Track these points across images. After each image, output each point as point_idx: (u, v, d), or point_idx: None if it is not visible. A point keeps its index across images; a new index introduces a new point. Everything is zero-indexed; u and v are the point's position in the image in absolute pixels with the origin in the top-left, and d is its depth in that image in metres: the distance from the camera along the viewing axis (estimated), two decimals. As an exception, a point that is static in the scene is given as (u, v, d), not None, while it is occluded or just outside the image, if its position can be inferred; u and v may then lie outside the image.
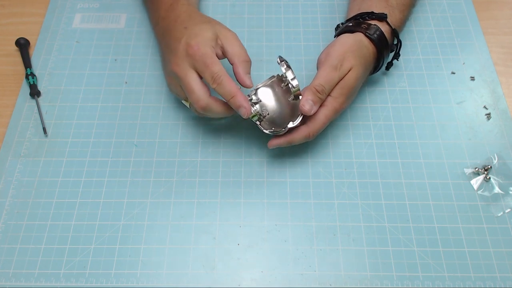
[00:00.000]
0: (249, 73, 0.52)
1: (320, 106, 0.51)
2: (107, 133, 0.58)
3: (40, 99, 0.61)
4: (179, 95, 0.55)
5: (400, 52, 0.59)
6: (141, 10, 0.69)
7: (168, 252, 0.51)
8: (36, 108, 0.60)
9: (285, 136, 0.52)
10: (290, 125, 0.50)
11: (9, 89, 0.62)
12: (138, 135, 0.58)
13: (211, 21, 0.55)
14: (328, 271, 0.49)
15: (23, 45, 0.64)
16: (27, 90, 0.61)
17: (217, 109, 0.51)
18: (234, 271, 0.50)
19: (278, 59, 0.51)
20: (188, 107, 0.55)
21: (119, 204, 0.53)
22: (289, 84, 0.51)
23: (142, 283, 0.49)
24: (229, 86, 0.49)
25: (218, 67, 0.50)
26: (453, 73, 0.62)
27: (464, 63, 0.63)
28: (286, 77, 0.51)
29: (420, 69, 0.63)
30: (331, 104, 0.52)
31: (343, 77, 0.52)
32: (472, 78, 0.62)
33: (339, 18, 0.68)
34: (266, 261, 0.50)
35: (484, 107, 0.60)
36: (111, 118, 0.59)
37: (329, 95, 0.51)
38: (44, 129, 0.58)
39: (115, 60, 0.64)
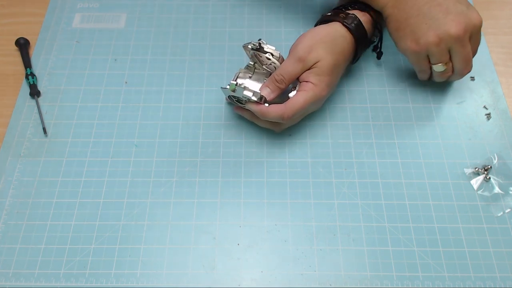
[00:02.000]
0: None
1: (301, 90, 0.52)
2: (107, 133, 0.58)
3: (40, 99, 0.61)
4: (426, 62, 0.55)
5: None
6: (141, 10, 0.69)
7: (168, 252, 0.51)
8: (36, 108, 0.60)
9: (261, 106, 0.52)
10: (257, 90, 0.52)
11: (9, 89, 0.62)
12: (138, 135, 0.58)
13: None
14: (328, 271, 0.49)
15: (23, 45, 0.64)
16: (27, 90, 0.61)
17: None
18: (234, 271, 0.50)
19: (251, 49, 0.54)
20: (440, 69, 0.55)
21: (119, 204, 0.53)
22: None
23: (142, 283, 0.49)
24: None
25: None
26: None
27: (464, 63, 0.63)
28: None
29: (420, 69, 0.63)
30: (312, 89, 0.52)
31: (312, 67, 0.52)
32: (472, 78, 0.62)
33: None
34: (266, 261, 0.50)
35: (484, 107, 0.60)
36: (111, 118, 0.59)
37: (309, 81, 0.52)
38: (44, 129, 0.58)
39: (115, 60, 0.64)
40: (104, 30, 0.67)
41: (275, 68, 0.55)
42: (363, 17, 0.55)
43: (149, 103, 0.61)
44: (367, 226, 0.52)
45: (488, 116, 0.59)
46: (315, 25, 0.58)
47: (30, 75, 0.61)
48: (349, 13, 0.55)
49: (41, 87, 0.62)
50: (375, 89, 0.62)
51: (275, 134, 0.57)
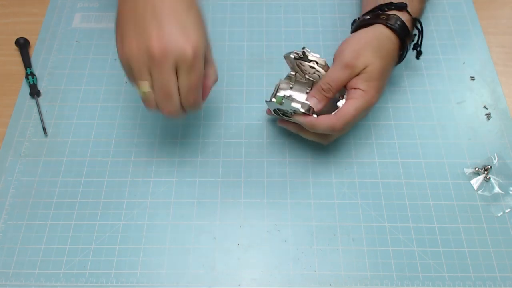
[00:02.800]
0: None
1: (350, 99, 0.49)
2: (107, 133, 0.58)
3: (40, 99, 0.61)
4: (135, 75, 0.44)
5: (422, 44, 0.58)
6: (141, 10, 0.69)
7: (168, 252, 0.51)
8: (36, 108, 0.60)
9: (310, 118, 0.49)
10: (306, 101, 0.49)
11: (9, 89, 0.62)
12: (138, 135, 0.58)
13: (204, 19, 0.46)
14: (328, 271, 0.49)
15: (22, 45, 0.64)
16: (27, 90, 0.61)
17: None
18: (234, 271, 0.50)
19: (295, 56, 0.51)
20: (139, 93, 0.45)
21: (119, 204, 0.53)
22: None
23: (142, 283, 0.49)
24: (199, 107, 0.47)
25: (199, 90, 0.46)
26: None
27: (464, 63, 0.63)
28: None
29: (420, 69, 0.63)
30: (362, 97, 0.49)
31: (361, 73, 0.49)
32: (472, 78, 0.62)
33: (339, 18, 0.68)
34: (266, 261, 0.50)
35: (484, 107, 0.60)
36: (111, 118, 0.59)
37: (358, 88, 0.49)
38: (44, 128, 0.58)
39: (115, 60, 0.64)
40: (104, 30, 0.67)
41: (319, 77, 0.52)
42: (403, 16, 0.53)
43: (149, 103, 0.61)
44: (367, 226, 0.52)
45: (488, 116, 0.59)
46: (353, 31, 0.55)
47: (30, 75, 0.61)
48: (390, 14, 0.53)
49: (41, 87, 0.62)
50: (375, 89, 0.61)
51: (275, 134, 0.57)
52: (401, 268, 0.50)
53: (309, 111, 0.49)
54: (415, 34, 0.56)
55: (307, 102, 0.49)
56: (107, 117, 0.59)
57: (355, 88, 0.50)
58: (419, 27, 0.56)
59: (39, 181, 0.55)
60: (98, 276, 0.49)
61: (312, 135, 0.53)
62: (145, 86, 0.44)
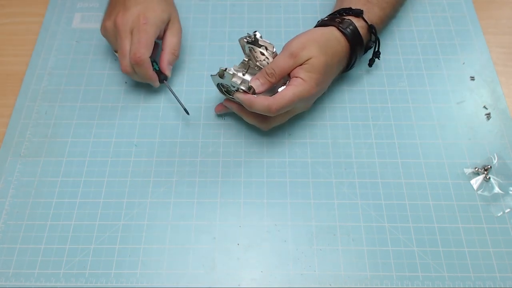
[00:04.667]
0: (171, 66, 0.60)
1: (290, 85, 0.51)
2: (107, 133, 0.58)
3: (40, 99, 0.61)
4: (111, 43, 0.59)
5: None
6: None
7: (168, 252, 0.51)
8: (35, 108, 0.60)
9: (248, 95, 0.51)
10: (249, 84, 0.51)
11: (9, 89, 0.62)
12: (138, 135, 0.58)
13: (171, 4, 0.61)
14: (328, 271, 0.49)
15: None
16: (27, 90, 0.61)
17: (137, 78, 0.59)
18: (234, 271, 0.50)
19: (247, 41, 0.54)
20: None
21: (119, 204, 0.53)
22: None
23: (142, 283, 0.49)
24: (147, 70, 0.56)
25: (146, 51, 0.55)
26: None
27: (464, 63, 0.63)
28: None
29: (420, 69, 0.63)
30: (301, 85, 0.51)
31: (304, 63, 0.52)
32: (472, 78, 0.62)
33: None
34: (266, 261, 0.50)
35: (484, 107, 0.60)
36: (111, 118, 0.59)
37: (299, 77, 0.51)
38: (185, 110, 0.58)
39: (115, 60, 0.64)
40: (104, 30, 0.67)
41: (268, 64, 0.54)
42: (358, 23, 0.55)
43: (149, 103, 0.61)
44: (367, 226, 0.52)
45: (488, 116, 0.59)
46: None
47: (154, 62, 0.59)
48: (344, 18, 0.55)
49: (41, 87, 0.62)
50: (375, 89, 0.62)
51: (275, 134, 0.57)
52: (401, 268, 0.50)
53: (250, 89, 0.51)
54: (374, 41, 0.58)
55: (247, 79, 0.51)
56: (107, 117, 0.59)
57: (296, 77, 0.52)
58: (375, 34, 0.57)
59: (39, 181, 0.55)
60: (98, 276, 0.49)
61: (253, 117, 0.55)
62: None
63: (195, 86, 0.62)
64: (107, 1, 0.62)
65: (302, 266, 0.50)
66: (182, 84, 0.62)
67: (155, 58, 0.59)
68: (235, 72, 0.51)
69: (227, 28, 0.67)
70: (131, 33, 0.56)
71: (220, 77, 0.51)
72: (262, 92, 0.52)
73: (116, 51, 0.59)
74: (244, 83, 0.51)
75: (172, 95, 0.59)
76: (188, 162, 0.56)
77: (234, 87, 0.51)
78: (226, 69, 0.50)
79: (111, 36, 0.58)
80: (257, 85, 0.52)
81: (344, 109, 0.60)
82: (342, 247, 0.51)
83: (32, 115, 0.60)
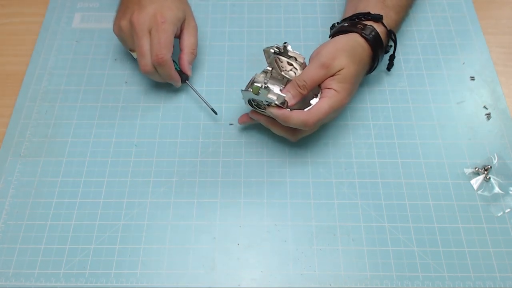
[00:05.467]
0: (191, 64, 0.60)
1: (323, 97, 0.51)
2: (107, 133, 0.58)
3: (40, 99, 0.61)
4: (126, 42, 0.58)
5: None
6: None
7: (168, 252, 0.51)
8: (35, 108, 0.60)
9: (284, 111, 0.50)
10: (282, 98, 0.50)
11: (9, 89, 0.62)
12: (138, 135, 0.58)
13: (185, 2, 0.60)
14: (328, 271, 0.49)
15: None
16: (27, 90, 0.61)
17: (158, 78, 0.58)
18: (234, 271, 0.50)
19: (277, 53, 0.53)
20: (135, 58, 0.57)
21: (119, 204, 0.53)
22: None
23: (142, 283, 0.49)
24: (170, 69, 0.56)
25: (168, 51, 0.55)
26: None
27: (464, 63, 0.63)
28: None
29: (420, 69, 0.63)
30: (335, 96, 0.51)
31: (336, 74, 0.51)
32: (472, 78, 0.62)
33: (339, 18, 0.67)
34: (266, 261, 0.50)
35: (484, 107, 0.60)
36: (111, 118, 0.59)
37: (333, 89, 0.51)
38: (213, 110, 0.58)
39: (115, 60, 0.64)
40: (104, 30, 0.67)
41: (295, 74, 0.53)
42: (378, 28, 0.55)
43: (149, 103, 0.61)
44: (367, 226, 0.52)
45: (488, 116, 0.59)
46: (331, 35, 0.57)
47: (174, 62, 0.59)
48: (366, 24, 0.55)
49: (41, 87, 0.62)
50: (375, 89, 0.62)
51: (275, 134, 0.57)
52: (401, 268, 0.50)
53: (284, 104, 0.50)
54: (391, 46, 0.58)
55: (283, 95, 0.50)
56: (107, 117, 0.59)
57: (328, 88, 0.51)
58: (394, 39, 0.57)
59: (39, 181, 0.55)
60: (98, 276, 0.49)
61: (282, 130, 0.54)
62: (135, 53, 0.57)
63: (195, 86, 0.62)
64: (117, 0, 0.61)
65: (302, 266, 0.50)
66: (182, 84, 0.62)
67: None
68: (271, 89, 0.50)
69: (227, 28, 0.67)
70: (149, 32, 0.55)
71: (255, 94, 0.49)
72: (294, 105, 0.51)
73: (131, 50, 0.58)
74: (279, 98, 0.49)
75: (196, 95, 0.59)
76: (188, 162, 0.56)
77: (267, 102, 0.50)
78: (261, 86, 0.49)
79: (127, 35, 0.57)
80: (288, 97, 0.51)
81: (344, 109, 0.60)
82: (342, 247, 0.51)
83: (32, 115, 0.60)
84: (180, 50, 0.59)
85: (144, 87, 0.62)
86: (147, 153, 0.57)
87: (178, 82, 0.59)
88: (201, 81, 0.62)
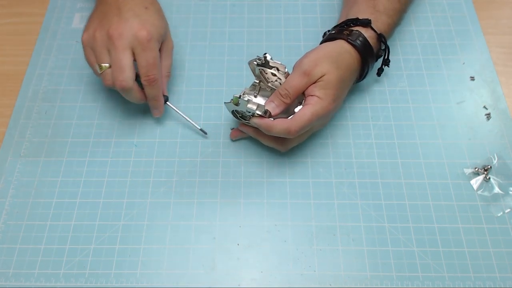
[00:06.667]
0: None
1: (306, 104, 0.50)
2: (107, 133, 0.58)
3: (40, 99, 0.61)
4: (95, 54, 0.53)
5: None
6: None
7: (168, 252, 0.51)
8: (35, 108, 0.60)
9: (266, 120, 0.50)
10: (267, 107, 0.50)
11: (9, 89, 0.62)
12: (138, 135, 0.58)
13: (164, 17, 0.57)
14: (328, 271, 0.50)
15: None
16: (27, 90, 0.61)
17: (135, 95, 0.54)
18: (234, 271, 0.50)
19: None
20: (98, 72, 0.53)
21: (119, 204, 0.53)
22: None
23: (142, 283, 0.49)
24: (159, 90, 0.54)
25: (158, 71, 0.53)
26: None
27: (464, 63, 0.63)
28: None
29: (420, 69, 0.63)
30: (318, 103, 0.50)
31: (318, 81, 0.51)
32: (472, 78, 0.62)
33: (339, 18, 0.68)
34: (266, 261, 0.50)
35: (484, 107, 0.60)
36: (111, 118, 0.59)
37: (315, 95, 0.50)
38: (202, 130, 0.57)
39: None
40: (104, 30, 0.67)
41: (280, 84, 0.53)
42: (367, 33, 0.54)
43: (149, 103, 0.61)
44: (367, 226, 0.52)
45: (488, 116, 0.59)
46: (320, 44, 0.57)
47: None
48: (352, 30, 0.54)
49: (41, 87, 0.62)
50: (375, 89, 0.62)
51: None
52: (401, 268, 0.50)
53: (266, 113, 0.50)
54: (384, 49, 0.57)
55: (263, 104, 0.50)
56: (107, 117, 0.59)
57: (311, 95, 0.51)
58: (384, 41, 0.56)
59: (39, 181, 0.55)
60: (98, 276, 0.49)
61: (270, 140, 0.54)
62: (104, 66, 0.52)
63: (195, 86, 0.62)
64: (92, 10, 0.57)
65: (302, 266, 0.50)
66: (182, 84, 0.62)
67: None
68: (249, 98, 0.50)
69: (227, 28, 0.67)
70: (131, 48, 0.51)
71: (235, 105, 0.50)
72: (277, 114, 0.51)
73: (99, 64, 0.52)
74: (260, 107, 0.49)
75: (181, 116, 0.57)
76: (188, 162, 0.56)
77: (249, 112, 0.50)
78: (240, 96, 0.49)
79: (100, 47, 0.52)
80: (272, 107, 0.51)
81: (344, 109, 0.60)
82: (342, 247, 0.51)
83: (32, 115, 0.60)
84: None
85: (144, 87, 0.62)
86: (147, 153, 0.57)
87: (161, 108, 0.56)
88: (201, 81, 0.62)
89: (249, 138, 0.57)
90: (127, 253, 0.51)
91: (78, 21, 0.68)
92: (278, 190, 0.54)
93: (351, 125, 0.59)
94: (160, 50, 0.55)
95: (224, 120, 0.59)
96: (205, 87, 0.62)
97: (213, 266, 0.50)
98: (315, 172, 0.55)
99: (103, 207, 0.53)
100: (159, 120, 0.59)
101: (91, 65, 0.54)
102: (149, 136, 0.58)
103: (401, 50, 0.64)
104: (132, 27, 0.51)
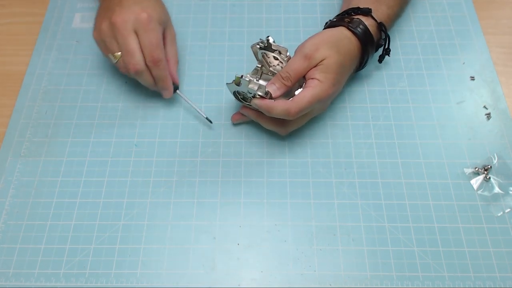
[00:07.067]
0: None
1: (307, 87, 0.51)
2: (107, 133, 0.58)
3: (40, 99, 0.61)
4: (107, 46, 0.55)
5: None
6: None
7: (168, 252, 0.51)
8: (35, 108, 0.60)
9: (266, 101, 0.51)
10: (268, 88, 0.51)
11: (9, 89, 0.62)
12: (138, 135, 0.58)
13: (165, 8, 0.59)
14: (328, 271, 0.49)
15: None
16: (27, 90, 0.61)
17: (149, 79, 0.56)
18: (234, 271, 0.50)
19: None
20: (113, 62, 0.55)
21: (119, 204, 0.53)
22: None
23: (142, 283, 0.49)
24: (165, 70, 0.55)
25: (161, 51, 0.54)
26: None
27: (464, 63, 0.63)
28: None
29: (420, 69, 0.63)
30: (318, 86, 0.51)
31: (318, 64, 0.51)
32: (472, 78, 0.62)
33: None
34: (266, 261, 0.50)
35: (484, 107, 0.60)
36: (111, 118, 0.59)
37: (315, 78, 0.51)
38: (207, 119, 0.58)
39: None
40: (104, 30, 0.67)
41: (282, 68, 0.54)
42: (367, 21, 0.55)
43: (149, 103, 0.61)
44: (367, 226, 0.52)
45: (488, 116, 0.59)
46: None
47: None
48: (353, 18, 0.55)
49: (41, 87, 0.62)
50: (375, 89, 0.62)
51: (275, 134, 0.57)
52: (401, 268, 0.50)
53: (267, 95, 0.51)
54: (384, 38, 0.58)
55: (264, 84, 0.50)
56: (107, 117, 0.59)
57: (312, 78, 0.51)
58: (384, 31, 0.57)
59: (39, 181, 0.55)
60: (98, 276, 0.49)
61: (270, 122, 0.55)
62: (117, 54, 0.54)
63: (195, 86, 0.62)
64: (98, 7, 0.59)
65: (302, 266, 0.50)
66: (182, 84, 0.62)
67: None
68: (251, 79, 0.50)
69: (227, 28, 0.67)
70: (135, 31, 0.53)
71: (237, 85, 0.50)
72: (278, 97, 0.52)
73: (113, 54, 0.54)
74: (261, 88, 0.50)
75: (189, 105, 0.58)
76: (188, 162, 0.56)
77: (250, 93, 0.51)
78: (242, 76, 0.50)
79: (109, 38, 0.54)
80: (273, 89, 0.51)
81: (344, 109, 0.60)
82: (342, 247, 0.51)
83: (32, 115, 0.60)
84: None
85: (144, 87, 0.62)
86: (147, 153, 0.57)
87: (170, 88, 0.57)
88: (201, 81, 0.62)
89: (249, 138, 0.57)
90: (127, 253, 0.51)
91: (78, 21, 0.68)
92: (278, 190, 0.54)
93: (351, 125, 0.59)
94: (163, 38, 0.56)
95: (225, 120, 0.59)
96: (205, 87, 0.62)
97: (213, 266, 0.50)
98: (315, 171, 0.55)
99: (103, 207, 0.53)
100: (159, 120, 0.59)
101: (107, 57, 0.56)
102: (149, 136, 0.58)
103: (401, 50, 0.64)
104: (133, 11, 0.53)
